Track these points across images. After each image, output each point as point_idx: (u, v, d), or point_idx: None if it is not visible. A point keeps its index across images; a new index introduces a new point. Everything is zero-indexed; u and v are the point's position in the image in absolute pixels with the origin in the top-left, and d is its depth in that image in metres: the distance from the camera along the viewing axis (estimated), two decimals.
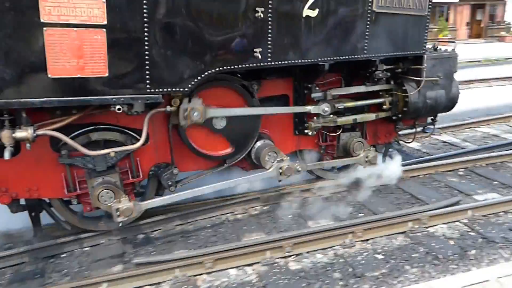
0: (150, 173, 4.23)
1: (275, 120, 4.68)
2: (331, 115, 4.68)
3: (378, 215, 4.41)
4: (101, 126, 3.97)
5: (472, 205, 4.52)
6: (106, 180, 3.85)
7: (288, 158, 4.45)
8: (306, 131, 4.68)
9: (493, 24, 27.67)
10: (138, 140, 3.93)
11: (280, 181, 4.69)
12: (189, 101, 3.90)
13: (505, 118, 8.39)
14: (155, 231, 4.35)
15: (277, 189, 5.00)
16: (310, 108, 4.54)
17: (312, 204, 4.79)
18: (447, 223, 4.32)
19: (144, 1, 3.27)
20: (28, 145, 3.31)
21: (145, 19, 3.31)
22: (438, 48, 5.05)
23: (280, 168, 4.33)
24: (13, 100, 3.07)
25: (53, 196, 3.96)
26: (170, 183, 4.15)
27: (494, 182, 5.32)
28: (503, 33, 26.05)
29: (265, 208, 4.77)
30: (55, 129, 3.49)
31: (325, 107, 4.57)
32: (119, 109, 3.40)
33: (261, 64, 3.84)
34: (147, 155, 4.15)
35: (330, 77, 4.68)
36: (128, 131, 4.05)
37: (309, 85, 4.51)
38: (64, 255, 3.99)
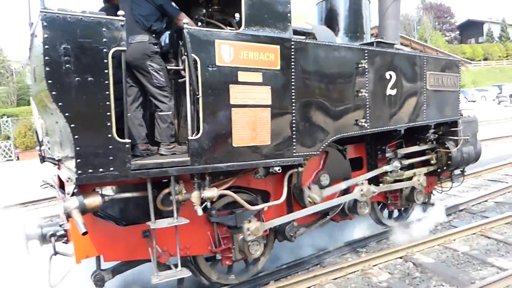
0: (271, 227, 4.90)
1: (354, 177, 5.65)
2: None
3: None
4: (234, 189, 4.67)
5: None
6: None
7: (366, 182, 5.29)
8: (381, 184, 5.69)
9: None
10: (262, 199, 4.71)
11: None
12: (309, 188, 4.82)
13: None
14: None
15: None
16: (387, 167, 5.61)
17: None
18: None
19: (292, 87, 4.28)
20: (208, 203, 3.95)
21: (293, 99, 4.29)
22: (461, 115, 6.51)
23: (361, 190, 5.19)
24: (209, 165, 3.79)
25: (200, 253, 4.45)
26: (291, 234, 4.84)
27: None
28: None
29: None
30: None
31: (397, 164, 5.67)
32: (279, 169, 4.20)
33: (364, 131, 4.91)
34: (270, 211, 4.85)
35: (394, 140, 5.85)
36: (249, 192, 4.77)
37: (383, 147, 5.63)
38: None
